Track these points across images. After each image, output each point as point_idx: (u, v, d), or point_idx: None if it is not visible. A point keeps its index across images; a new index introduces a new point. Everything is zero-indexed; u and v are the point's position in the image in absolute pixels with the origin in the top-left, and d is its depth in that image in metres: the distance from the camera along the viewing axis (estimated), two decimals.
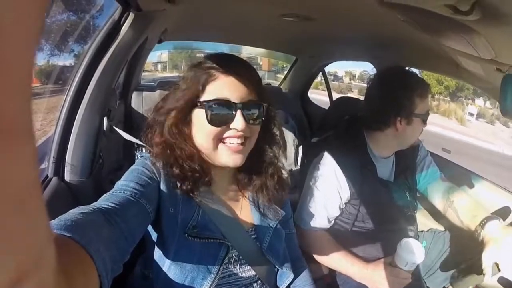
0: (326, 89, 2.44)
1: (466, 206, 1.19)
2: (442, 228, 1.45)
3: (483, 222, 1.06)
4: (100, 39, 0.89)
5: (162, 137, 0.78)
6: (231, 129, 0.76)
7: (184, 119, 0.78)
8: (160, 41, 1.73)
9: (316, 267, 1.18)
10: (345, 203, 1.20)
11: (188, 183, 0.77)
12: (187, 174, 0.77)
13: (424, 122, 1.19)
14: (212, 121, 0.75)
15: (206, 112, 0.74)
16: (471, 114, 20.49)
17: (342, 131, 1.30)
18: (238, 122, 0.75)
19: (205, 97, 0.76)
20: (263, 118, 0.81)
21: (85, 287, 0.43)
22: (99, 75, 0.89)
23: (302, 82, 2.45)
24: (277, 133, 0.90)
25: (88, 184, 0.93)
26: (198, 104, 0.76)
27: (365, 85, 1.39)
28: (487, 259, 0.96)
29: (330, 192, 1.18)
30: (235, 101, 0.75)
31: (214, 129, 0.75)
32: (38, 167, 0.17)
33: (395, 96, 1.19)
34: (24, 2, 0.14)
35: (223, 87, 0.76)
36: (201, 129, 0.77)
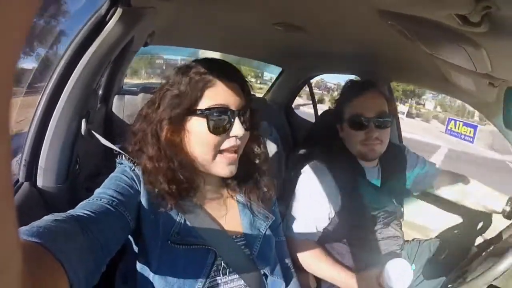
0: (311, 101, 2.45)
1: (486, 193, 1.24)
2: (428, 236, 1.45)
3: (510, 202, 1.10)
4: (83, 34, 0.83)
5: (155, 148, 0.75)
6: (230, 137, 0.75)
7: (180, 127, 0.75)
8: (145, 44, 1.68)
9: (303, 280, 1.14)
10: (335, 212, 1.19)
11: (172, 197, 0.74)
12: (170, 183, 0.74)
13: (353, 126, 1.20)
14: (212, 129, 0.73)
15: (207, 120, 0.73)
16: (402, 113, 25.98)
17: (330, 141, 1.30)
18: (238, 129, 0.75)
19: (203, 104, 0.74)
20: (250, 123, 0.80)
21: None
22: (79, 73, 0.83)
23: (287, 93, 2.44)
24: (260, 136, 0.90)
25: (62, 191, 0.86)
26: (197, 112, 0.73)
27: None
28: None
29: (320, 201, 1.17)
30: (233, 108, 0.75)
31: (214, 138, 0.74)
32: (11, 170, 0.17)
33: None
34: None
35: (222, 94, 0.75)
36: (199, 138, 0.75)
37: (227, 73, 0.77)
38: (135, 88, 1.98)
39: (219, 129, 0.74)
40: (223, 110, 0.74)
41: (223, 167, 0.77)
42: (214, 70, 0.77)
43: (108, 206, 0.64)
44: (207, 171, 0.78)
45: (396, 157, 1.35)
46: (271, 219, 0.88)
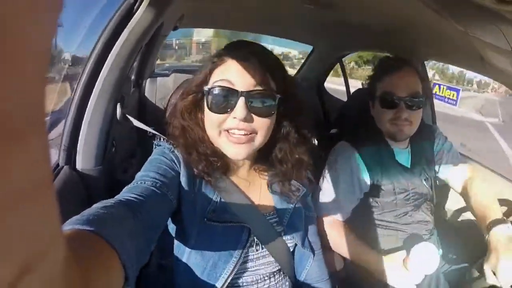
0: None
1: (479, 206, 1.13)
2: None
3: (490, 225, 1.00)
4: (114, 23, 0.86)
5: (176, 119, 0.78)
6: (233, 118, 0.71)
7: (197, 103, 0.77)
8: (175, 28, 1.69)
9: (329, 259, 1.16)
10: (365, 193, 1.18)
11: (203, 166, 0.75)
12: (201, 157, 0.75)
13: (383, 104, 1.16)
14: (211, 107, 0.72)
15: (206, 97, 0.72)
16: None
17: (361, 122, 1.28)
18: (239, 111, 0.70)
19: (210, 82, 0.74)
20: (273, 112, 0.75)
21: (108, 280, 0.43)
22: (113, 60, 0.86)
23: (318, 72, 2.38)
24: (305, 122, 0.85)
25: (100, 173, 0.91)
26: (204, 90, 0.73)
27: None
28: (486, 265, 0.93)
29: (349, 182, 1.17)
30: (240, 89, 0.71)
31: (215, 116, 0.72)
32: (50, 161, 0.17)
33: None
34: None
35: (228, 72, 0.73)
36: (206, 115, 0.75)
37: (239, 52, 0.74)
38: (167, 71, 2.02)
39: (219, 107, 0.72)
40: (225, 88, 0.71)
41: (228, 147, 0.74)
42: (227, 49, 0.76)
43: (152, 188, 0.66)
44: (222, 151, 0.77)
45: (428, 138, 1.30)
46: (302, 191, 0.88)
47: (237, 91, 0.71)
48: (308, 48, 2.38)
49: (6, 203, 0.14)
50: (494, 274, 0.91)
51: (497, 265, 0.90)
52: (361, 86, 1.67)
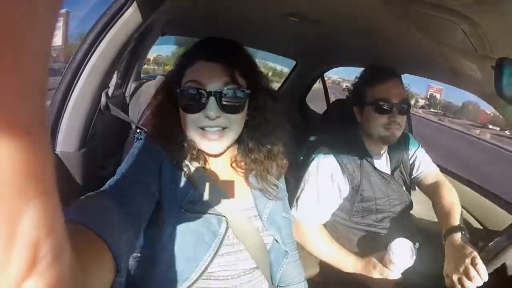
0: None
1: (442, 211, 1.19)
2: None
3: (447, 233, 1.05)
4: (106, 18, 0.90)
5: (153, 116, 0.82)
6: (205, 117, 0.75)
7: (170, 101, 0.80)
8: (163, 34, 1.75)
9: (306, 266, 1.18)
10: (344, 198, 1.22)
11: (181, 158, 0.79)
12: (178, 150, 0.79)
13: (378, 110, 1.20)
14: (184, 107, 0.76)
15: (178, 98, 0.76)
16: None
17: (340, 129, 1.34)
18: (210, 109, 0.74)
19: (182, 82, 0.77)
20: (242, 108, 0.79)
21: (101, 273, 0.43)
22: (102, 49, 0.90)
23: (300, 87, 2.48)
24: (277, 115, 0.88)
25: (80, 158, 0.93)
26: (176, 90, 0.77)
27: None
28: (445, 273, 0.98)
29: (329, 186, 1.21)
30: (210, 88, 0.74)
31: (188, 116, 0.76)
32: (53, 160, 0.18)
33: (352, 88, 1.32)
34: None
35: (197, 73, 0.76)
36: (181, 114, 0.78)
37: (207, 52, 0.77)
38: (152, 78, 2.05)
39: (192, 107, 0.75)
40: (194, 88, 0.74)
41: (205, 144, 0.78)
42: (198, 49, 0.80)
43: (136, 180, 0.69)
44: (198, 147, 0.80)
45: (403, 144, 1.37)
46: (280, 188, 0.91)
47: (207, 91, 0.74)
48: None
49: (21, 203, 0.15)
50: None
51: (451, 273, 0.94)
52: None
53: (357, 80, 1.34)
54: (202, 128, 0.76)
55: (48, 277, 0.17)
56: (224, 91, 0.75)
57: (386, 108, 1.20)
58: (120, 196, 0.62)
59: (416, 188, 1.42)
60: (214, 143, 0.78)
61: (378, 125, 1.22)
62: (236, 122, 0.79)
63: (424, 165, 1.38)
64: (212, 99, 0.74)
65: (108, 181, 0.68)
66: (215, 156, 0.84)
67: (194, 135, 0.78)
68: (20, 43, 0.14)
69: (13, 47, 0.13)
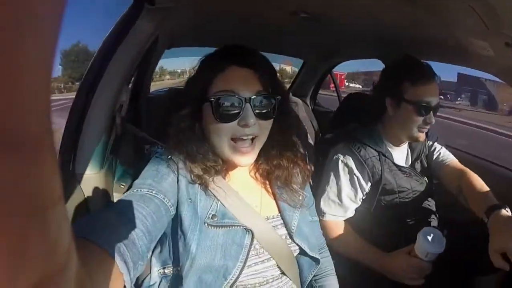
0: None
1: (473, 192, 1.15)
2: None
3: (489, 211, 1.02)
4: (114, 34, 0.90)
5: (175, 131, 0.78)
6: (240, 126, 0.73)
7: (195, 113, 0.78)
8: (169, 46, 1.75)
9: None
10: (366, 193, 1.21)
11: (202, 172, 0.77)
12: (199, 164, 0.77)
13: (418, 112, 1.16)
14: (219, 116, 0.73)
15: (212, 107, 0.73)
16: None
17: (355, 124, 1.32)
18: (248, 117, 0.72)
19: (212, 90, 0.75)
20: (274, 114, 0.78)
21: (108, 286, 0.44)
22: (112, 69, 0.89)
23: (311, 86, 2.45)
24: (296, 123, 0.91)
25: (98, 179, 0.92)
26: (206, 98, 0.75)
27: None
28: (492, 249, 0.93)
29: (351, 182, 1.20)
30: (244, 95, 0.73)
31: (222, 126, 0.74)
32: (60, 177, 0.17)
33: (386, 77, 1.26)
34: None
35: (231, 79, 0.74)
36: (209, 125, 0.76)
37: (239, 58, 0.76)
38: (162, 92, 2.05)
39: (227, 116, 0.73)
40: (230, 96, 0.73)
41: (237, 157, 0.76)
42: (227, 55, 0.78)
43: (148, 195, 0.67)
44: (225, 159, 0.79)
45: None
46: (305, 196, 0.90)
47: (242, 98, 0.72)
48: None
49: (26, 218, 0.14)
50: (503, 257, 0.90)
51: (507, 246, 0.90)
52: None
53: (390, 70, 1.28)
54: (233, 140, 0.75)
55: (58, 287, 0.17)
56: (257, 97, 0.74)
57: (426, 111, 1.16)
58: (131, 211, 0.61)
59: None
60: (246, 156, 0.77)
61: (414, 126, 1.19)
62: (266, 129, 0.79)
63: (444, 155, 1.35)
64: (248, 106, 0.73)
65: (123, 195, 0.68)
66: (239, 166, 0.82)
67: (225, 147, 0.76)
68: (13, 49, 0.13)
69: (5, 53, 0.13)
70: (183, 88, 0.83)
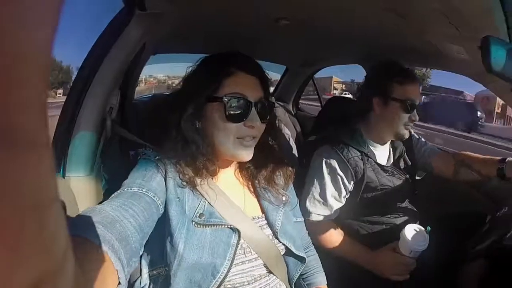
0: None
1: (477, 157, 1.26)
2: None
3: (501, 162, 1.12)
4: (105, 37, 0.91)
5: (177, 132, 0.82)
6: (245, 126, 0.80)
7: (198, 112, 0.81)
8: (154, 53, 1.76)
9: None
10: (350, 192, 1.24)
11: (191, 172, 0.80)
12: (194, 172, 0.81)
13: (405, 109, 1.23)
14: (229, 116, 0.79)
15: (225, 107, 0.78)
16: None
17: (337, 126, 1.35)
18: (254, 119, 0.80)
19: (222, 92, 0.79)
20: (269, 117, 0.86)
21: (103, 283, 0.44)
22: (102, 72, 0.90)
23: (293, 91, 2.50)
24: (279, 127, 0.98)
25: (88, 181, 0.92)
26: (217, 99, 0.79)
27: None
28: None
29: (334, 183, 1.23)
30: (251, 99, 0.80)
31: (230, 125, 0.79)
32: (56, 175, 0.18)
33: (373, 78, 1.32)
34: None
35: (241, 84, 0.80)
36: (217, 125, 0.80)
37: (247, 66, 0.83)
38: (147, 98, 2.04)
39: (236, 117, 0.79)
40: (240, 99, 0.79)
41: (241, 152, 0.82)
42: (235, 62, 0.83)
43: (139, 193, 0.70)
44: (226, 155, 0.84)
45: None
46: (288, 197, 0.94)
47: (251, 101, 0.80)
48: None
49: (23, 217, 0.14)
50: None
51: None
52: None
53: (378, 72, 1.34)
54: (239, 138, 0.81)
55: (55, 287, 0.17)
56: (261, 101, 0.82)
57: (411, 108, 1.24)
58: (122, 209, 0.62)
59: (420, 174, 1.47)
60: (249, 151, 0.83)
61: (401, 123, 1.25)
62: (262, 129, 0.85)
63: (431, 146, 1.44)
64: (254, 109, 0.80)
65: (113, 194, 0.69)
66: (227, 166, 0.89)
67: (231, 145, 0.81)
68: (10, 43, 0.13)
69: (1, 48, 0.12)
70: (181, 88, 0.87)
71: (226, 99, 0.78)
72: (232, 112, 0.78)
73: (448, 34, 0.89)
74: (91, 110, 0.90)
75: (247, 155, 0.83)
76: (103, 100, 0.92)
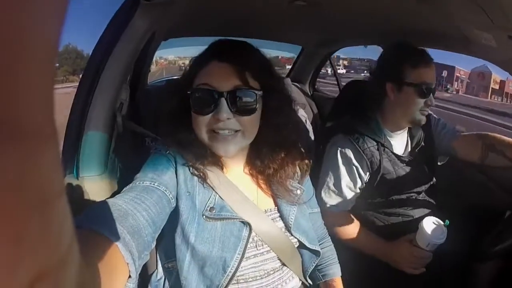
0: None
1: (510, 142, 1.17)
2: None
3: None
4: (110, 31, 0.88)
5: (165, 122, 0.81)
6: (214, 119, 0.74)
7: (182, 105, 0.78)
8: (166, 38, 1.72)
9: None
10: (365, 182, 1.21)
11: (197, 164, 0.79)
12: (193, 155, 0.79)
13: (420, 94, 1.15)
14: (195, 109, 0.75)
15: (190, 100, 0.74)
16: None
17: (353, 113, 1.30)
18: (221, 111, 0.72)
19: (195, 83, 0.76)
20: (256, 109, 0.76)
21: (113, 276, 0.44)
22: (110, 68, 0.88)
23: (309, 72, 2.42)
24: (291, 119, 0.87)
25: (102, 180, 0.92)
26: (188, 92, 0.75)
27: None
28: None
29: (351, 173, 1.20)
30: (220, 89, 0.73)
31: (200, 118, 0.75)
32: (62, 169, 0.17)
33: (385, 62, 1.24)
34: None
35: (209, 74, 0.74)
36: (192, 116, 0.77)
37: (220, 53, 0.76)
38: (160, 83, 2.02)
39: (202, 109, 0.74)
40: (205, 90, 0.73)
41: (216, 145, 0.76)
42: (210, 49, 0.78)
43: (150, 187, 0.69)
44: (209, 148, 0.79)
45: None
46: (302, 191, 0.90)
47: (217, 92, 0.73)
48: None
49: (28, 210, 0.14)
50: None
51: None
52: None
53: (389, 55, 1.27)
54: (214, 131, 0.75)
55: (57, 280, 0.17)
56: (235, 91, 0.74)
57: (427, 92, 1.16)
58: (134, 203, 0.62)
59: (439, 163, 1.38)
60: (227, 145, 0.76)
61: (416, 108, 1.18)
62: (249, 125, 0.77)
63: (452, 128, 1.35)
64: (222, 100, 0.73)
65: (125, 188, 0.69)
66: (235, 158, 0.84)
67: (205, 138, 0.77)
68: (17, 34, 0.12)
69: (8, 40, 0.12)
70: (178, 79, 0.85)
71: (189, 92, 0.74)
72: (197, 104, 0.74)
73: (477, 21, 0.83)
74: (101, 108, 0.88)
75: (224, 151, 0.76)
76: (112, 97, 0.90)
